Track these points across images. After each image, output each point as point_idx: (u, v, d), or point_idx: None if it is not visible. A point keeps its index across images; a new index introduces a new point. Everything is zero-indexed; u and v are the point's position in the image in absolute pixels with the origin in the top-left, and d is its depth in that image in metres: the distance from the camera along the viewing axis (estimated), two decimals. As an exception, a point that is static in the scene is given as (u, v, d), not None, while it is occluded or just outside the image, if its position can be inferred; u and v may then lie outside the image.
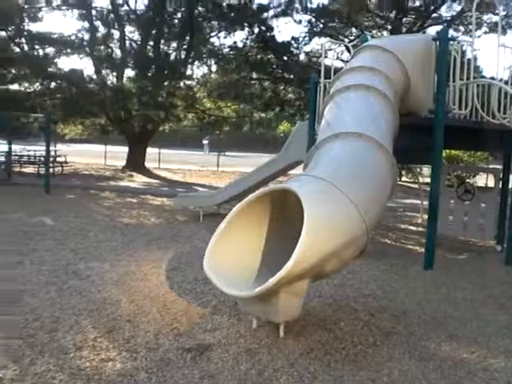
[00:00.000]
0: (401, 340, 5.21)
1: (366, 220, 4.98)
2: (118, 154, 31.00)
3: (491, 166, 18.89)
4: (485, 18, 24.91)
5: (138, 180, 22.73)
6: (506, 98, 8.93)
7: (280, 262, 4.54)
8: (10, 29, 24.20)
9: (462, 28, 26.06)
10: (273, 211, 5.40)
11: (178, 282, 6.95)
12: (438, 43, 8.48)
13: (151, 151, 30.09)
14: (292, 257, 4.40)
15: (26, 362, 4.37)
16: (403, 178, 27.05)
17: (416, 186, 18.54)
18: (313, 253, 4.53)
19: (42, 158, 22.02)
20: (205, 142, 50.43)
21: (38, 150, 24.35)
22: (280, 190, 5.15)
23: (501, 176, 10.47)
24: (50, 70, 24.29)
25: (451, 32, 25.96)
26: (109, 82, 25.94)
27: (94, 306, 5.83)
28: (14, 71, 25.23)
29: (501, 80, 9.40)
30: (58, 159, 24.01)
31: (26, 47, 25.06)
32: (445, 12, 25.89)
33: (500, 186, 10.46)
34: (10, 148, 18.86)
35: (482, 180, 15.83)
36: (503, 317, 6.15)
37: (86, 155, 34.58)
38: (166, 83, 24.61)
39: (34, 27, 25.48)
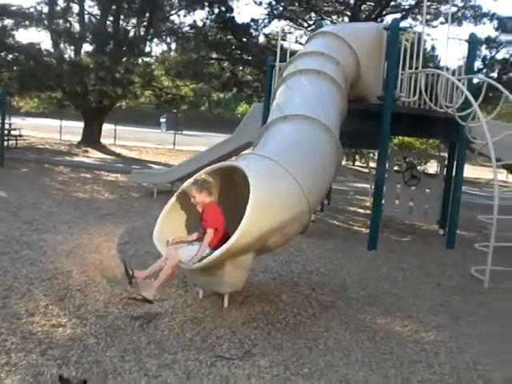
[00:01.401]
0: (338, 313, 5.53)
1: (309, 198, 5.25)
2: (73, 129, 30.67)
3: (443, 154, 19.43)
4: (442, 8, 25.38)
5: (93, 156, 22.65)
6: (452, 88, 9.27)
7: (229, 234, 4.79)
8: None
9: (419, 17, 26.50)
10: (221, 188, 5.64)
11: (128, 256, 7.13)
12: (388, 32, 8.78)
13: (107, 127, 29.89)
14: (237, 231, 4.65)
15: (-22, 326, 4.53)
16: (356, 163, 27.59)
17: (367, 170, 18.96)
18: (257, 227, 4.79)
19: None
20: (162, 120, 50.12)
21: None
22: (228, 167, 5.40)
23: (446, 163, 10.88)
24: (7, 42, 23.85)
25: (409, 21, 26.52)
26: (66, 56, 25.65)
27: (46, 276, 5.98)
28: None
29: (447, 70, 9.75)
30: (13, 132, 23.67)
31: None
32: (403, 1, 26.29)
33: (445, 172, 10.87)
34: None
35: (433, 167, 16.29)
36: (439, 295, 6.53)
37: (41, 129, 34.09)
38: (124, 59, 24.47)
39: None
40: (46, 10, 26.05)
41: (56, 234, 8.07)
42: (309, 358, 4.39)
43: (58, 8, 26.29)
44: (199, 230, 5.35)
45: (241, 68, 27.85)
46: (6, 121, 20.73)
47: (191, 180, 5.23)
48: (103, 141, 28.04)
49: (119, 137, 31.02)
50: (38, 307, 5.06)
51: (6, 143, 19.82)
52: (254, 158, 5.48)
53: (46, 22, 25.57)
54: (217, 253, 4.73)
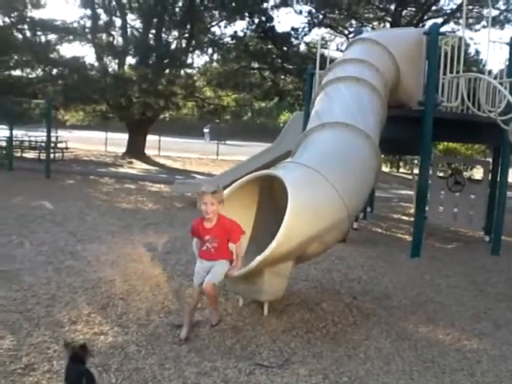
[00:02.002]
0: (380, 321, 5.48)
1: (349, 206, 5.23)
2: (118, 141, 31.22)
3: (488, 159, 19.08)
4: (484, 11, 25.01)
5: (138, 167, 22.98)
6: (494, 91, 9.12)
7: (266, 243, 4.80)
8: (12, 15, 24.29)
9: (461, 21, 26.17)
10: (261, 196, 5.66)
11: (171, 264, 7.21)
12: (428, 37, 8.70)
13: (152, 138, 30.32)
14: (275, 238, 4.65)
15: (23, 334, 4.63)
16: (400, 170, 27.31)
17: (410, 177, 18.77)
18: (295, 235, 4.79)
19: (43, 144, 22.26)
20: (206, 130, 50.61)
21: (39, 135, 24.59)
22: (267, 175, 5.41)
23: (490, 168, 10.69)
24: (51, 56, 24.44)
25: (452, 25, 26.19)
26: (110, 70, 26.14)
27: (89, 285, 6.09)
28: (16, 57, 25.33)
29: (490, 74, 9.59)
30: (59, 145, 24.23)
31: (28, 34, 25.15)
32: (445, 5, 26.05)
33: (490, 177, 10.68)
34: (11, 133, 19.02)
35: (480, 173, 16.02)
36: (482, 302, 6.41)
37: (87, 142, 34.81)
38: (166, 71, 24.80)
39: (36, 14, 25.61)
40: (88, 24, 26.72)
41: (100, 244, 8.20)
42: (348, 366, 4.35)
43: (101, 22, 26.84)
44: (207, 246, 5.02)
45: (282, 77, 27.91)
46: (53, 134, 21.25)
47: (208, 187, 5.05)
48: (147, 152, 28.44)
49: (163, 148, 31.43)
50: (80, 315, 5.14)
51: (52, 156, 20.30)
52: (291, 166, 5.49)
53: (89, 36, 26.15)
54: (256, 261, 4.74)
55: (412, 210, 13.55)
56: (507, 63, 9.45)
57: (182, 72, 26.97)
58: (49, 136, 17.92)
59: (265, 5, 25.10)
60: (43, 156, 20.80)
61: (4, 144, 20.13)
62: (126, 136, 29.25)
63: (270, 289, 5.14)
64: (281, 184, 5.01)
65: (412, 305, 6.12)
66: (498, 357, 4.74)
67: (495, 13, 24.84)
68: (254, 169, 11.68)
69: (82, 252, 7.62)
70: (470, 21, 25.82)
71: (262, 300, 5.30)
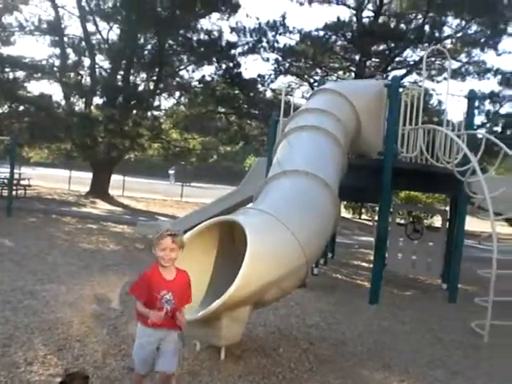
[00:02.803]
0: (336, 367, 5.54)
1: (307, 253, 5.34)
2: (82, 180, 30.99)
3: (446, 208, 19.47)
4: (446, 63, 25.78)
5: (101, 207, 22.81)
6: (452, 143, 9.42)
7: (225, 288, 4.86)
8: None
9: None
10: (221, 241, 5.73)
11: (129, 307, 7.17)
12: (389, 89, 9.00)
13: (116, 178, 30.20)
14: (234, 283, 4.72)
15: (-23, 375, 4.59)
16: (362, 216, 27.67)
17: (371, 223, 19.05)
18: (254, 280, 4.87)
19: (6, 180, 22.04)
20: (171, 172, 50.64)
21: (1, 172, 24.31)
22: (226, 221, 5.50)
23: (448, 217, 10.96)
24: (19, 93, 24.39)
25: (414, 76, 26.93)
26: (77, 109, 26.14)
27: (47, 326, 6.04)
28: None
29: (448, 124, 9.91)
30: (22, 182, 23.95)
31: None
32: (408, 56, 26.78)
33: (447, 226, 10.94)
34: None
35: (440, 221, 16.34)
36: (438, 350, 6.55)
37: (50, 179, 34.47)
38: (133, 112, 24.90)
39: (5, 50, 25.65)
40: (57, 62, 26.85)
41: (59, 284, 8.14)
42: (303, 412, 4.40)
43: (70, 61, 26.92)
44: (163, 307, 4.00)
45: (248, 122, 28.28)
46: (16, 170, 21.04)
47: (167, 229, 4.07)
48: (111, 192, 28.29)
49: (127, 188, 31.30)
50: (36, 357, 5.10)
51: (14, 193, 20.06)
52: (252, 212, 5.61)
53: (57, 75, 26.14)
54: (214, 305, 4.79)
55: (372, 257, 13.75)
56: (465, 115, 9.81)
57: (149, 114, 27.10)
58: (12, 173, 17.73)
59: (233, 51, 25.52)
60: (5, 193, 20.55)
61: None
62: (89, 175, 29.10)
63: (227, 333, 5.18)
64: (241, 229, 5.10)
65: (368, 351, 6.21)
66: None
67: (457, 65, 25.66)
68: (218, 212, 11.78)
69: (41, 292, 7.55)
70: (433, 72, 26.56)
71: (220, 344, 5.34)
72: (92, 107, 26.32)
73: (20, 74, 25.69)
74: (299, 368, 5.40)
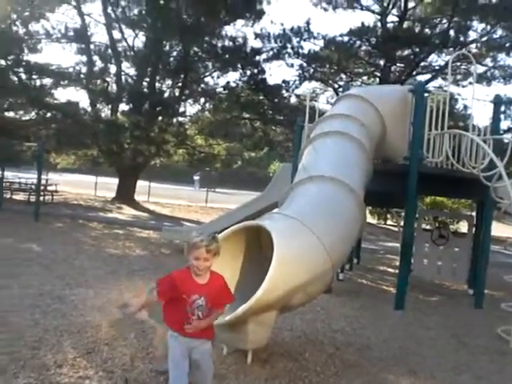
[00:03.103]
0: (362, 372, 5.56)
1: (333, 257, 5.38)
2: (109, 186, 31.32)
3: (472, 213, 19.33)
4: (472, 68, 25.58)
5: (127, 212, 23.02)
6: (478, 148, 9.38)
7: (251, 292, 4.91)
8: (9, 58, 24.62)
9: (449, 77, 26.71)
10: (247, 245, 5.79)
11: (157, 311, 7.25)
12: (414, 94, 9.00)
13: (142, 184, 30.46)
14: (261, 287, 4.77)
15: (8, 376, 4.68)
16: (388, 222, 27.54)
17: (397, 229, 18.96)
18: (280, 284, 4.91)
19: (33, 186, 22.36)
20: (196, 177, 50.92)
21: (29, 177, 24.68)
22: (254, 226, 5.55)
23: (474, 222, 10.89)
24: (46, 100, 24.72)
25: (440, 81, 26.78)
26: (103, 115, 26.41)
27: (76, 329, 6.13)
28: (10, 100, 25.59)
29: (474, 129, 9.86)
30: (49, 188, 24.26)
31: (23, 77, 25.46)
32: (433, 61, 26.65)
33: (473, 231, 10.87)
34: (2, 174, 19.13)
35: (466, 226, 16.25)
36: (463, 355, 6.53)
37: (76, 185, 34.88)
38: (158, 119, 25.10)
39: (32, 58, 26.02)
40: (84, 70, 27.19)
41: (87, 288, 8.25)
42: (329, 415, 4.43)
43: (96, 68, 27.24)
44: (194, 313, 3.87)
45: (272, 128, 28.36)
46: (43, 176, 21.32)
47: (202, 237, 3.84)
48: (137, 197, 28.53)
49: (153, 194, 31.54)
50: (66, 359, 5.19)
51: (42, 198, 20.34)
52: (278, 217, 5.65)
53: (84, 82, 26.49)
54: (241, 309, 4.84)
55: (398, 262, 13.69)
56: (491, 120, 9.76)
57: (174, 120, 27.28)
58: (39, 179, 18.00)
59: (257, 57, 25.67)
60: (33, 198, 20.85)
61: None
62: (115, 181, 29.38)
63: (254, 337, 5.23)
64: (267, 234, 5.15)
65: (394, 356, 6.21)
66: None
67: (482, 69, 25.48)
68: (243, 218, 11.82)
69: (70, 296, 7.65)
70: (458, 77, 26.42)
71: (246, 348, 5.39)
72: (118, 114, 26.60)
73: (47, 81, 26.08)
74: (325, 372, 5.42)
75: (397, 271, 11.99)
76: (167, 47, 26.78)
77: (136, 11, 26.66)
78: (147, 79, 27.34)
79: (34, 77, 25.41)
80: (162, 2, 24.53)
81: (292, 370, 5.39)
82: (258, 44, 26.07)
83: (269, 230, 5.09)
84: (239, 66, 25.46)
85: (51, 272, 9.25)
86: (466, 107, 25.90)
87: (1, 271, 8.87)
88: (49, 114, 25.31)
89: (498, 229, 10.94)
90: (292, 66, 26.13)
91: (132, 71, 28.38)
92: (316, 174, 6.43)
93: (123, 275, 9.59)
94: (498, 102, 9.70)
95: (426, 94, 9.28)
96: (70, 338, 5.84)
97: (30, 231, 14.25)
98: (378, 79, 26.97)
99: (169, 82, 28.24)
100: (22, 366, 4.92)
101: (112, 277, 9.36)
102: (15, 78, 25.30)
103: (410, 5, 26.16)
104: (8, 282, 8.15)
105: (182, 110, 28.58)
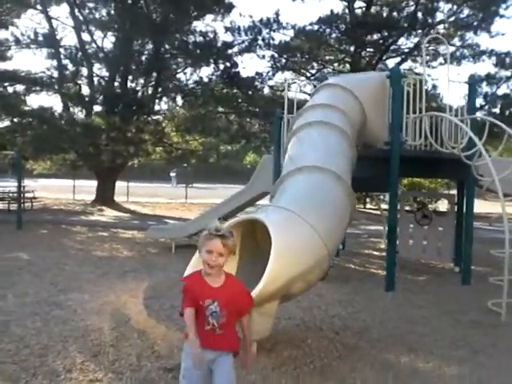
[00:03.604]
0: (363, 353, 5.73)
1: (328, 245, 5.52)
2: (86, 188, 31.24)
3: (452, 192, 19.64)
4: (441, 48, 25.88)
5: (108, 214, 22.98)
6: (456, 128, 9.58)
7: (251, 285, 5.03)
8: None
9: (419, 59, 27.02)
10: (243, 239, 5.90)
11: (155, 310, 7.37)
12: (391, 80, 9.17)
13: (119, 185, 30.37)
14: (262, 279, 4.89)
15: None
16: (367, 206, 27.83)
17: (379, 212, 19.20)
18: (280, 275, 5.03)
19: (11, 194, 22.24)
20: (172, 174, 50.84)
21: (5, 186, 24.49)
22: (249, 219, 5.67)
23: (455, 201, 11.12)
24: (20, 107, 24.53)
25: (409, 63, 27.07)
26: (78, 119, 26.25)
27: (79, 333, 6.22)
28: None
29: (451, 110, 10.06)
30: (27, 195, 24.08)
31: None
32: (402, 45, 26.91)
33: (455, 210, 11.10)
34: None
35: (444, 205, 16.51)
36: (458, 331, 6.74)
37: (53, 190, 34.63)
38: (134, 119, 25.05)
39: (2, 65, 25.86)
40: (55, 74, 27.02)
41: (82, 293, 8.31)
42: (338, 398, 4.58)
43: (68, 72, 27.08)
44: (209, 322, 3.45)
45: (248, 120, 28.44)
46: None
47: (218, 227, 3.49)
48: (116, 198, 28.46)
49: (131, 193, 31.48)
50: (74, 364, 5.28)
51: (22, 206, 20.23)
52: (272, 210, 5.78)
53: (56, 86, 26.30)
54: (243, 302, 4.96)
55: (382, 245, 13.95)
56: (467, 100, 9.96)
57: (150, 119, 27.24)
58: (19, 186, 17.95)
59: (229, 51, 25.62)
60: (13, 206, 20.75)
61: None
62: (92, 183, 29.27)
63: (258, 328, 5.34)
64: (263, 227, 5.27)
65: (391, 336, 6.39)
66: (478, 380, 5.03)
67: (451, 49, 25.77)
68: (230, 211, 11.98)
69: (66, 301, 7.72)
70: (428, 58, 26.70)
71: (251, 339, 5.50)
72: (93, 116, 26.47)
73: (19, 87, 25.90)
74: (328, 357, 5.58)
75: (382, 254, 12.30)
76: (137, 46, 26.66)
77: (104, 12, 26.57)
78: (119, 79, 27.23)
79: (6, 84, 25.18)
80: (129, 1, 24.41)
81: (297, 357, 5.55)
82: (228, 38, 26.18)
83: (265, 223, 5.20)
84: (211, 60, 25.43)
85: (43, 279, 9.30)
86: (435, 87, 26.21)
87: (-7, 282, 8.91)
88: (23, 121, 25.09)
89: (478, 206, 11.16)
90: (264, 57, 26.21)
91: (104, 72, 28.25)
92: (303, 164, 6.55)
93: (115, 277, 9.67)
94: (472, 82, 9.91)
95: (402, 79, 9.45)
96: (75, 342, 5.93)
97: (14, 240, 14.24)
98: (348, 65, 27.15)
99: (141, 80, 28.14)
100: (32, 373, 5.00)
101: (104, 279, 9.44)
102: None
103: (377, -11, 26.36)
104: (3, 292, 8.20)
105: (157, 108, 28.66)
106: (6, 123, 25.78)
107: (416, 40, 25.62)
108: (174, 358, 5.43)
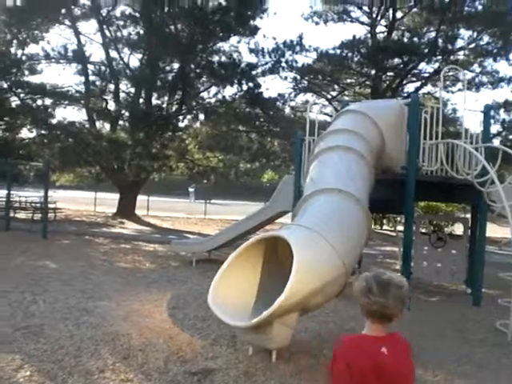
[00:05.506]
0: (375, 366, 6.08)
1: (346, 262, 5.93)
2: (106, 201, 31.76)
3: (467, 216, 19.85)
4: (460, 74, 26.18)
5: (129, 227, 23.44)
6: (470, 155, 9.93)
7: (273, 297, 5.45)
8: (8, 79, 25.04)
9: (439, 84, 27.24)
10: (266, 254, 6.34)
11: (179, 319, 7.79)
12: (409, 108, 9.58)
13: (139, 198, 30.85)
14: (283, 293, 5.31)
15: (59, 381, 5.20)
16: (384, 227, 28.04)
17: (394, 234, 19.46)
18: (300, 289, 5.45)
19: (36, 204, 22.75)
20: (191, 189, 51.22)
21: (29, 196, 25.04)
22: (273, 236, 6.11)
23: (469, 224, 11.44)
24: (49, 120, 25.20)
25: (429, 88, 27.41)
26: (104, 133, 26.83)
27: (109, 337, 6.66)
28: (10, 120, 26.04)
29: (466, 134, 10.40)
30: (50, 205, 24.56)
31: (23, 97, 25.92)
32: (422, 70, 27.27)
33: (469, 233, 11.42)
34: (8, 194, 19.59)
35: (460, 228, 16.74)
36: (465, 348, 7.12)
37: (73, 201, 35.18)
38: (158, 135, 25.59)
39: (32, 79, 26.65)
40: (83, 89, 27.69)
41: (109, 301, 8.75)
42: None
43: (95, 87, 27.77)
44: None
45: (269, 139, 28.90)
46: (43, 194, 21.71)
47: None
48: (137, 212, 28.92)
49: (150, 207, 31.92)
50: (106, 365, 5.71)
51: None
52: (295, 228, 6.21)
53: (82, 101, 26.99)
54: (265, 313, 5.37)
55: (397, 266, 14.22)
56: (482, 128, 10.33)
57: (174, 135, 27.74)
58: (46, 197, 18.44)
59: (253, 72, 26.13)
60: (36, 216, 21.26)
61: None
62: (112, 195, 29.75)
63: (278, 338, 5.77)
64: (285, 244, 5.70)
65: (403, 352, 6.74)
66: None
67: (470, 75, 26.15)
68: (250, 227, 12.40)
69: (95, 308, 8.16)
70: (447, 83, 27.04)
71: (271, 348, 5.93)
72: (118, 131, 27.03)
73: (47, 101, 26.58)
74: (343, 367, 5.95)
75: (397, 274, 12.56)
76: (164, 64, 27.26)
77: (132, 30, 27.27)
78: (144, 96, 27.80)
79: (35, 97, 25.87)
80: (157, 20, 25.05)
81: (313, 365, 5.93)
82: (252, 59, 26.72)
83: (288, 240, 5.63)
84: (235, 80, 25.92)
85: (72, 287, 9.75)
86: (454, 110, 26.57)
87: (25, 288, 9.37)
88: (51, 134, 25.73)
89: (491, 230, 11.48)
90: (286, 78, 26.77)
91: (129, 88, 28.90)
92: (324, 186, 6.99)
93: (140, 287, 10.09)
94: (487, 111, 10.28)
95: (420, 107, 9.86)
96: (106, 345, 6.36)
97: (40, 249, 14.70)
98: (369, 88, 27.58)
99: (166, 98, 28.69)
100: (68, 372, 5.43)
101: (129, 289, 9.86)
102: (16, 99, 25.78)
103: (398, 15, 26.84)
104: (33, 298, 8.66)
105: (181, 125, 29.20)
106: (33, 135, 26.49)
107: (436, 65, 25.97)
108: (198, 363, 5.85)
